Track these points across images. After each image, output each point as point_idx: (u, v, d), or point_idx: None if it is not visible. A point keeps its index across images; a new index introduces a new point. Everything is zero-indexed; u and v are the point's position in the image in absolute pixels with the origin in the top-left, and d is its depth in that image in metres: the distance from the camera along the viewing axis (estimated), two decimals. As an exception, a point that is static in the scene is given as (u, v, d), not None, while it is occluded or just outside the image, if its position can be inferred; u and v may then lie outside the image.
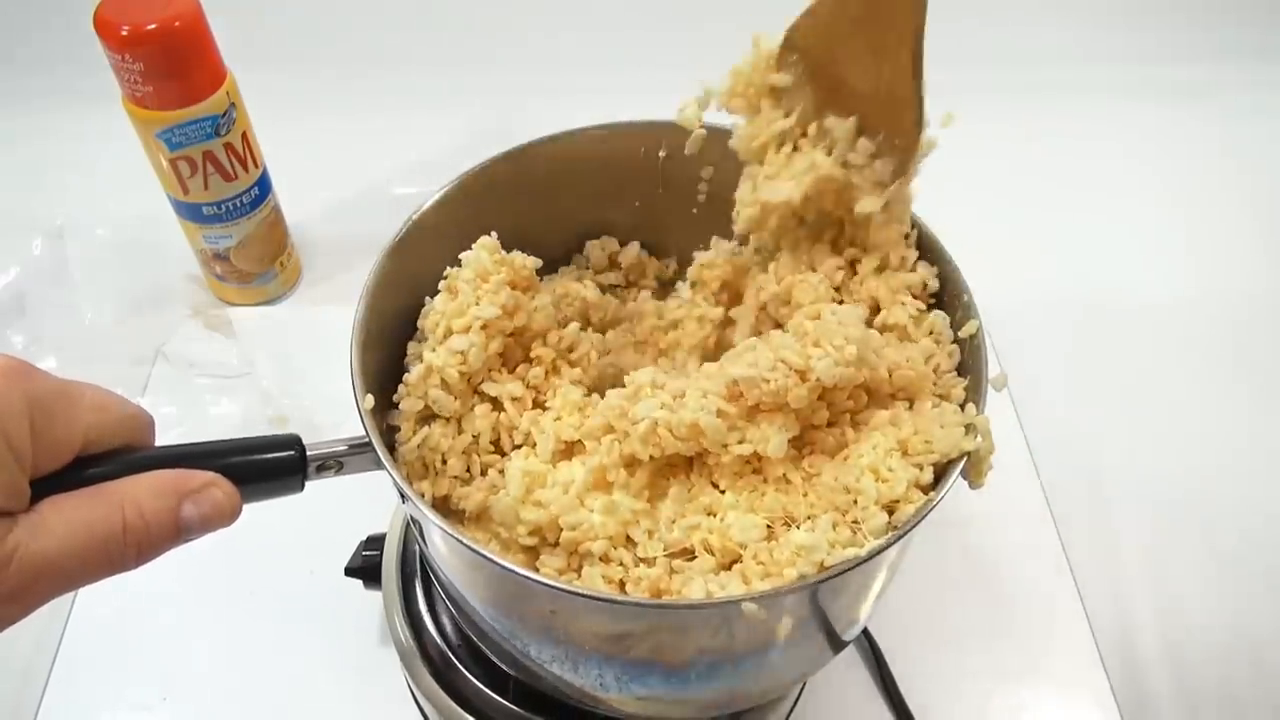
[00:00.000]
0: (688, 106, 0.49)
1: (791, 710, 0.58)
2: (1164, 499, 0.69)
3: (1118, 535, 0.68)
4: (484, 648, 0.46)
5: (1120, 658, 0.62)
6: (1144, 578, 0.66)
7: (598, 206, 0.55)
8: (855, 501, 0.40)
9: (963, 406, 0.42)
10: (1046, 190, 0.92)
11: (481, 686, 0.52)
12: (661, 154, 0.52)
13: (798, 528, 0.40)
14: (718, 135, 0.50)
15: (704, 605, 0.37)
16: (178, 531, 0.33)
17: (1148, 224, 0.90)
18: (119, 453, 0.34)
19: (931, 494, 0.39)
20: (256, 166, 0.74)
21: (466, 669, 0.53)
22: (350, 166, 0.91)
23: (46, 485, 0.31)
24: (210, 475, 0.35)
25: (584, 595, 0.36)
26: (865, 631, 0.61)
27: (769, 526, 0.41)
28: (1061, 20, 1.05)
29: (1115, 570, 0.66)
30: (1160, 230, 0.90)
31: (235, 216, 0.74)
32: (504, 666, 0.46)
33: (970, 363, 0.43)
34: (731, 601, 0.35)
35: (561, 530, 0.42)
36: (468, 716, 0.52)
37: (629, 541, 0.42)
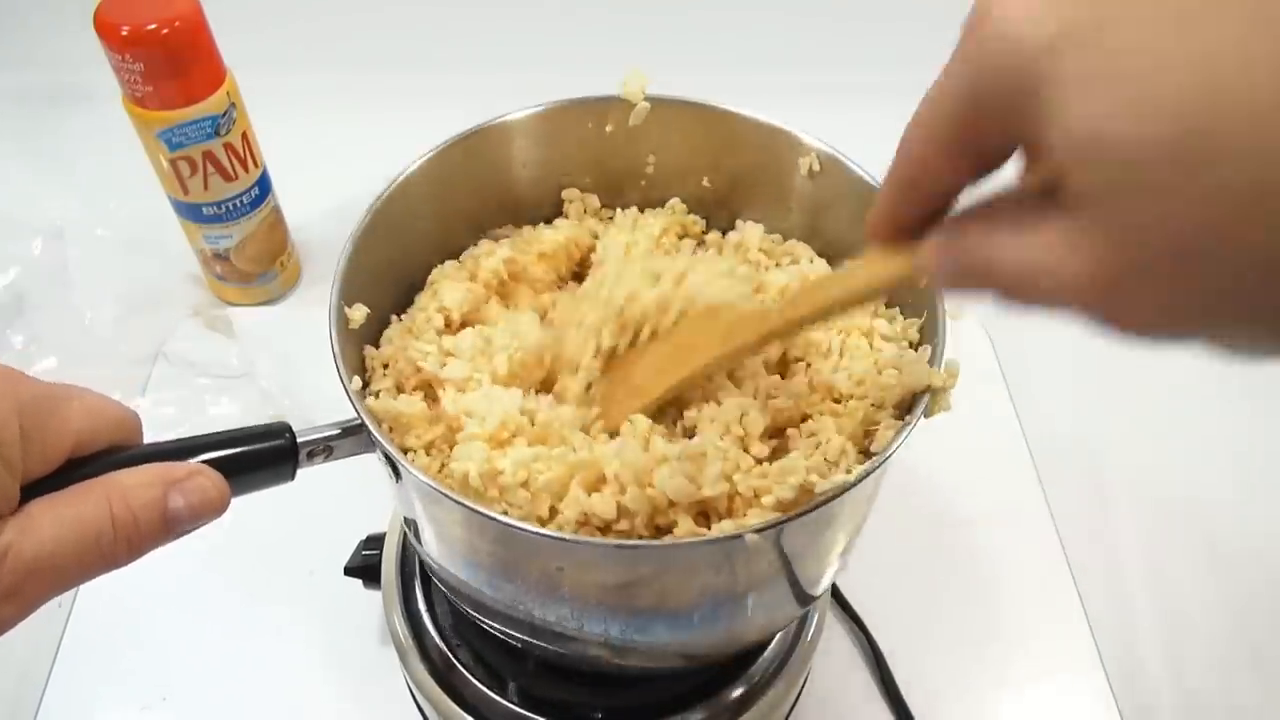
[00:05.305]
0: (631, 80, 0.49)
1: (791, 710, 0.58)
2: (1164, 499, 0.69)
3: (1118, 535, 0.68)
4: (485, 621, 0.46)
5: (1120, 659, 0.62)
6: (1144, 578, 0.66)
7: (554, 185, 0.55)
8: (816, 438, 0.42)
9: (915, 347, 0.44)
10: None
11: (481, 686, 0.52)
12: (608, 129, 0.52)
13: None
14: (661, 107, 0.51)
15: (707, 542, 0.38)
16: (166, 523, 0.33)
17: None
18: (106, 453, 0.34)
19: (909, 417, 0.40)
20: (256, 166, 0.74)
21: (466, 669, 0.53)
22: (350, 166, 0.90)
23: (35, 488, 0.31)
24: (195, 465, 0.34)
25: (594, 544, 0.37)
26: (866, 632, 0.61)
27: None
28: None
29: (1115, 570, 0.66)
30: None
31: (235, 216, 0.74)
32: (514, 634, 0.46)
33: (918, 302, 0.45)
34: (734, 536, 0.36)
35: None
36: (467, 717, 0.52)
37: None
